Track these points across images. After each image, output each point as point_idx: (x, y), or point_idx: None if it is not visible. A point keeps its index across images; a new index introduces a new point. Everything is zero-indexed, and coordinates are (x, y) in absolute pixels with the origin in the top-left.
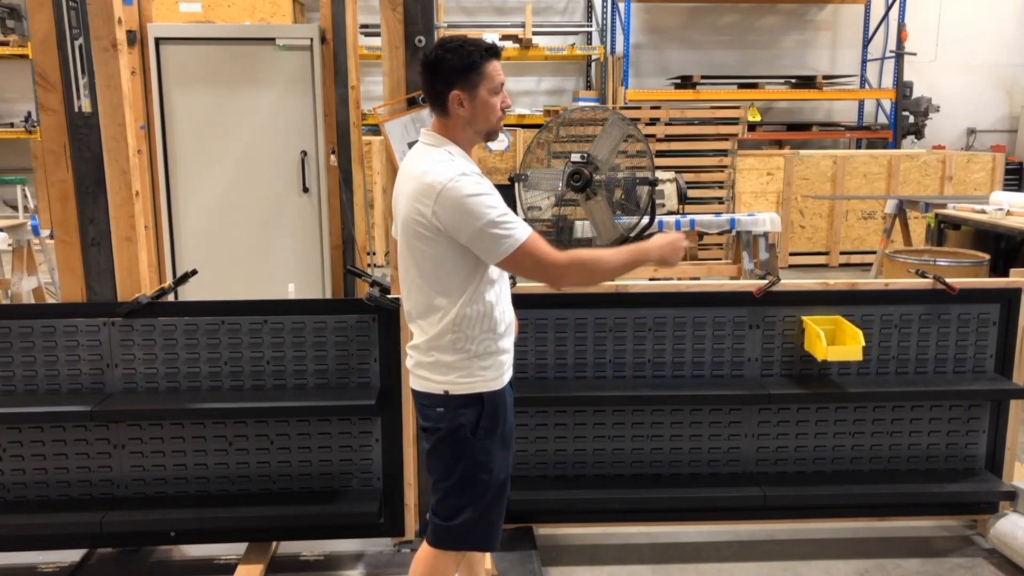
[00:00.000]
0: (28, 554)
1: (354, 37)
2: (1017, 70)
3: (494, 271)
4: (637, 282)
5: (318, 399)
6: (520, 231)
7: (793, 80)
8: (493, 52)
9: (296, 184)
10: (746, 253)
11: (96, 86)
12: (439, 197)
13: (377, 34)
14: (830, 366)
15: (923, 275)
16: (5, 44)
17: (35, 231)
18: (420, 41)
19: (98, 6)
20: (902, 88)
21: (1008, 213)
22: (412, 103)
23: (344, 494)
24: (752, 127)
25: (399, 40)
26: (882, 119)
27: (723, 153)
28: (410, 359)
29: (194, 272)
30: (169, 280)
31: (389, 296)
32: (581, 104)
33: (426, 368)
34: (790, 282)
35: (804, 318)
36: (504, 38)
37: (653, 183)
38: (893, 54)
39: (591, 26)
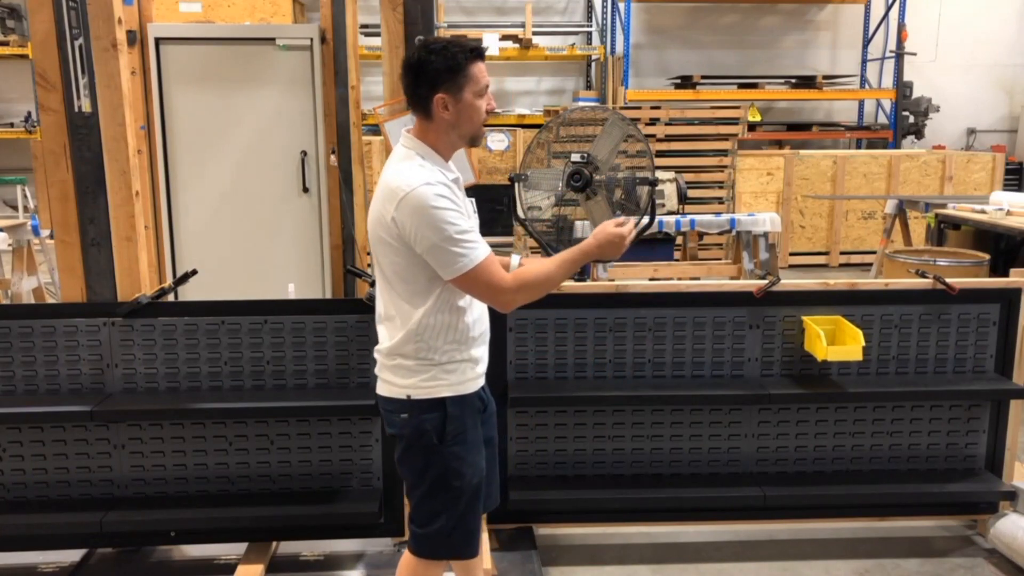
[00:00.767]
0: (28, 554)
1: (354, 37)
2: (1017, 70)
3: None
4: (637, 282)
5: (318, 399)
6: (476, 252)
7: (793, 80)
8: (478, 54)
9: (296, 184)
10: (746, 253)
11: (96, 86)
12: (400, 203)
13: (377, 34)
14: (830, 366)
15: (923, 275)
16: (5, 44)
17: (35, 231)
18: (420, 41)
19: (98, 6)
20: (902, 88)
21: (1008, 213)
22: None
23: (344, 494)
24: (752, 127)
25: (399, 40)
26: (882, 119)
27: (723, 153)
28: (377, 364)
29: (194, 272)
30: (169, 280)
31: None
32: (581, 104)
33: (389, 371)
34: (790, 282)
35: (804, 318)
36: (504, 38)
37: (653, 183)
38: (893, 54)
39: (591, 26)
